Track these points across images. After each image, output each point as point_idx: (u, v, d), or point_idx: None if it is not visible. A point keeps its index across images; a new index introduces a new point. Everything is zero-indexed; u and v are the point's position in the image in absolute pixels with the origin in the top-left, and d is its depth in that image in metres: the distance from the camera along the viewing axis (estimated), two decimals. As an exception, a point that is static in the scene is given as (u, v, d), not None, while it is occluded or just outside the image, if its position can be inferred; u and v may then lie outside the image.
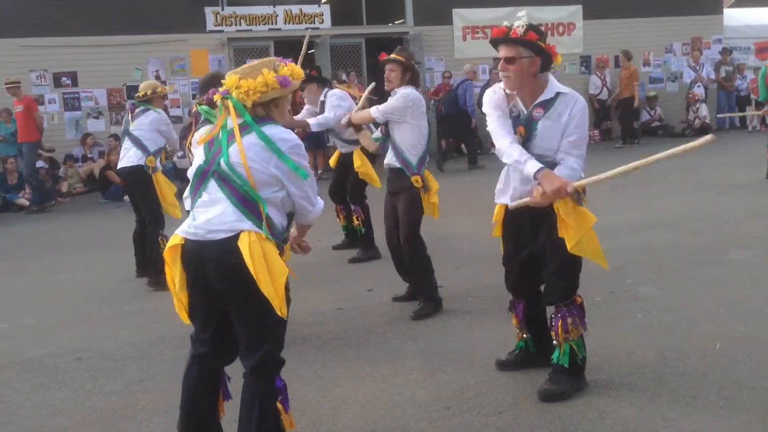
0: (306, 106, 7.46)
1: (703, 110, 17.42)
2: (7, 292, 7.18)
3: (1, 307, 6.61)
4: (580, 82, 17.12)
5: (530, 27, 3.72)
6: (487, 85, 15.60)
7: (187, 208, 3.38)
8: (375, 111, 5.59)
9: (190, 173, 3.27)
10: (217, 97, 3.22)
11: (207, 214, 3.08)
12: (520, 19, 3.75)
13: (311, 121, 7.01)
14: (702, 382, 4.02)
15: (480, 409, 3.88)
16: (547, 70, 3.84)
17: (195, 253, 3.09)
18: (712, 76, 17.94)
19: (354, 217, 7.55)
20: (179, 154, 11.66)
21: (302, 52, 6.14)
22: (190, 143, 5.41)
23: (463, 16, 16.80)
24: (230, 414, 3.50)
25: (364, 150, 6.85)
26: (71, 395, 4.48)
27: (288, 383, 3.30)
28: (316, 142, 12.95)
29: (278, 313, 3.01)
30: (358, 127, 5.99)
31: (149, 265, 6.89)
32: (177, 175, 11.70)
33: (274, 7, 15.57)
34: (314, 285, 6.30)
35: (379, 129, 5.73)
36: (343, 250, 7.72)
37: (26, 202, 12.61)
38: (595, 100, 16.96)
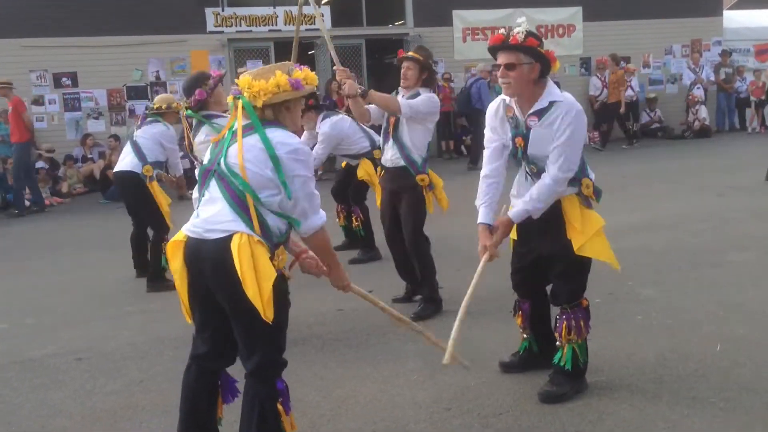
0: (305, 132, 7.52)
1: (703, 112, 17.44)
2: (7, 292, 7.18)
3: (1, 307, 6.61)
4: (580, 83, 17.15)
5: (530, 33, 3.72)
6: (474, 85, 15.68)
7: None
8: (404, 104, 5.31)
9: (197, 172, 3.30)
10: (229, 99, 3.22)
11: (206, 213, 3.11)
12: (519, 25, 3.76)
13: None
14: (702, 383, 4.02)
15: (480, 411, 3.88)
16: (546, 76, 3.84)
17: (194, 250, 3.11)
18: (712, 78, 17.96)
19: (353, 218, 7.57)
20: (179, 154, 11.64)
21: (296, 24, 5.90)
22: (188, 144, 5.42)
23: (463, 17, 16.81)
24: (231, 416, 3.50)
25: (374, 161, 7.08)
26: (71, 395, 4.48)
27: (288, 384, 3.30)
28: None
29: (263, 317, 2.96)
30: (355, 99, 5.47)
31: (148, 266, 6.92)
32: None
33: (275, 8, 15.58)
34: (314, 286, 6.25)
35: (386, 131, 5.61)
36: (343, 251, 7.72)
37: (26, 203, 12.59)
38: (594, 101, 16.97)
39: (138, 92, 14.94)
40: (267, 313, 2.96)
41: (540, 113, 3.79)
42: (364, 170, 7.21)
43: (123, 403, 4.31)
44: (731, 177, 10.97)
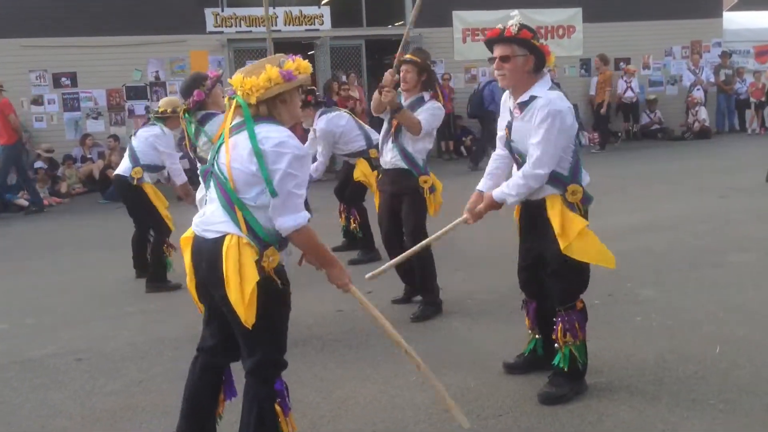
0: (310, 135, 7.54)
1: (703, 113, 17.45)
2: (7, 292, 7.18)
3: (1, 307, 6.61)
4: (581, 84, 17.15)
5: (523, 26, 3.81)
6: (487, 87, 15.68)
7: None
8: (425, 125, 5.32)
9: (199, 172, 3.33)
10: (226, 100, 3.23)
11: (206, 212, 3.16)
12: (513, 18, 3.85)
13: (319, 171, 7.42)
14: (702, 385, 4.02)
15: (480, 412, 3.88)
16: (541, 69, 3.88)
17: (196, 247, 3.17)
18: (712, 80, 17.97)
19: (351, 220, 7.56)
20: (179, 155, 11.63)
21: None
22: (188, 145, 5.42)
23: (462, 18, 16.81)
24: (231, 416, 3.50)
25: (369, 160, 7.15)
26: (71, 396, 4.48)
27: (288, 385, 3.30)
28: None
29: (243, 322, 2.96)
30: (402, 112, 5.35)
31: (148, 266, 6.93)
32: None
33: (274, 8, 15.57)
34: (314, 287, 6.27)
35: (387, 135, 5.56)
36: (342, 251, 7.72)
37: (25, 203, 12.60)
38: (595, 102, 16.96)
39: (137, 92, 14.94)
40: (247, 316, 2.96)
41: (522, 106, 3.87)
42: (361, 171, 7.24)
43: (123, 404, 4.31)
44: (731, 178, 10.98)
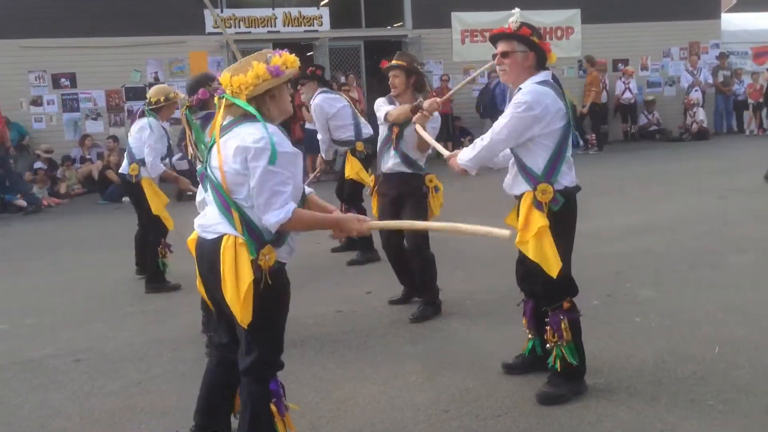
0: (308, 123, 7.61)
1: (701, 114, 17.48)
2: (6, 293, 7.18)
3: (0, 308, 6.60)
4: (579, 85, 17.15)
5: (524, 23, 3.87)
6: (486, 88, 15.71)
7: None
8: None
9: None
10: (216, 99, 3.22)
11: (206, 214, 3.19)
12: (513, 15, 3.91)
13: (324, 149, 7.59)
14: (701, 386, 4.03)
15: (479, 413, 3.89)
16: (543, 67, 3.91)
17: (198, 248, 3.20)
18: (710, 81, 18.00)
19: None
20: (178, 155, 11.65)
21: None
22: (187, 145, 5.42)
23: (461, 19, 16.83)
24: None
25: (354, 153, 7.26)
26: (70, 396, 4.48)
27: (287, 385, 3.31)
28: (309, 145, 12.92)
29: (239, 321, 3.00)
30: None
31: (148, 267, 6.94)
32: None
33: (273, 9, 15.59)
34: (313, 287, 6.30)
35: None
36: (341, 252, 7.73)
37: (24, 203, 12.60)
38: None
39: (137, 93, 14.92)
40: (243, 315, 2.99)
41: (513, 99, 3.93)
42: (351, 168, 7.27)
43: (122, 405, 4.31)
44: (729, 179, 10.99)
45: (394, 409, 4.00)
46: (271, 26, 15.60)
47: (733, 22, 19.47)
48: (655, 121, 18.01)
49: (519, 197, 3.96)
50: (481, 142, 3.97)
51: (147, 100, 6.73)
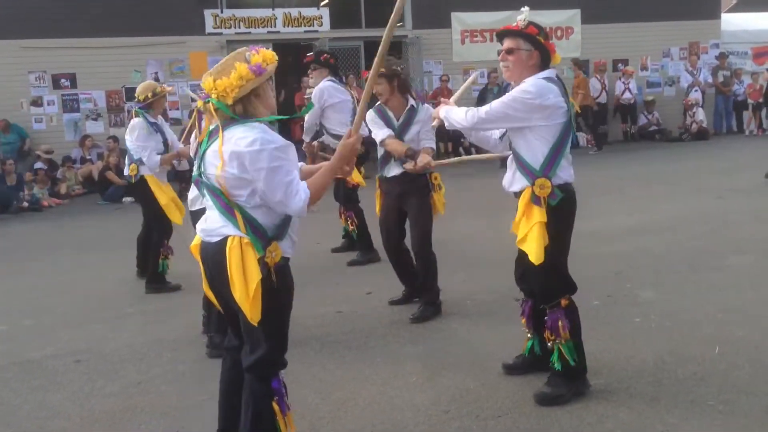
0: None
1: (700, 114, 17.48)
2: (6, 293, 7.18)
3: (0, 308, 6.60)
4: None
5: (531, 23, 3.89)
6: (485, 89, 15.72)
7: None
8: (431, 143, 5.39)
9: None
10: (200, 104, 3.20)
11: (207, 219, 3.20)
12: (522, 13, 3.93)
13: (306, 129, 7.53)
14: (701, 386, 4.02)
15: (479, 413, 3.89)
16: (547, 67, 3.92)
17: (203, 252, 3.21)
18: (710, 81, 18.00)
19: (348, 222, 7.54)
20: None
21: None
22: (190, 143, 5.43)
23: (461, 19, 16.83)
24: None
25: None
26: (70, 397, 4.48)
27: (287, 385, 3.31)
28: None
29: (249, 319, 3.02)
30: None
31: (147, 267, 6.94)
32: (176, 177, 11.67)
33: (273, 9, 15.59)
34: (313, 287, 6.30)
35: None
36: (342, 252, 7.73)
37: (24, 204, 12.60)
38: (594, 103, 16.96)
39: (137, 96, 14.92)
40: (252, 314, 3.01)
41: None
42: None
43: (121, 405, 4.31)
44: (729, 179, 10.99)
45: (394, 409, 4.00)
46: (271, 26, 15.61)
47: (733, 22, 19.48)
48: (654, 121, 18.01)
49: (518, 194, 3.95)
50: (476, 113, 3.94)
51: (135, 99, 6.84)
